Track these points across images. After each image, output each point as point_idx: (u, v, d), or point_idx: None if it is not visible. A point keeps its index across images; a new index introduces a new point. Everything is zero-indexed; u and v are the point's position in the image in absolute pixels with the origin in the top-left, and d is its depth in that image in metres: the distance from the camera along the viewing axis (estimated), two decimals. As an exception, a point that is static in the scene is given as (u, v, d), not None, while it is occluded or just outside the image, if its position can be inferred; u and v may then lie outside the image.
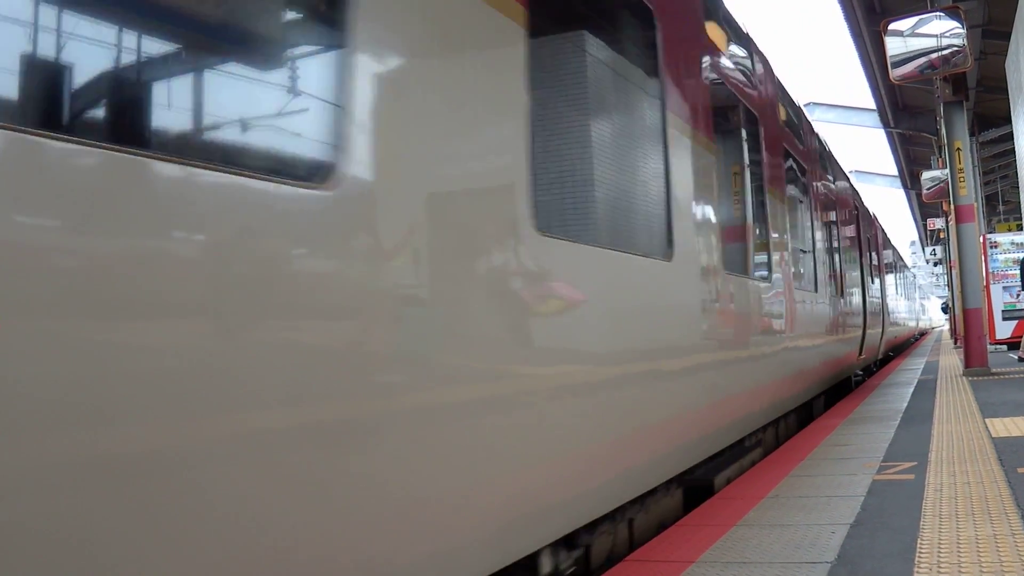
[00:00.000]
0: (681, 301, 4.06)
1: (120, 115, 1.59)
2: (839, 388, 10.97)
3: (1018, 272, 16.38)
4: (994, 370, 10.87)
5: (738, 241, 5.43)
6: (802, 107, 8.82)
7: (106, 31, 1.53)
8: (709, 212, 4.55)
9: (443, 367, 2.19)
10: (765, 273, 6.02)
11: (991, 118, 18.85)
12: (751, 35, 6.29)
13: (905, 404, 7.93)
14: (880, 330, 14.23)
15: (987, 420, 6.19)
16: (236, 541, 1.59)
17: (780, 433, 7.20)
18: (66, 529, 1.30)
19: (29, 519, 1.25)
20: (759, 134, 6.17)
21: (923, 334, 40.91)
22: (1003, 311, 17.08)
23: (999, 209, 27.26)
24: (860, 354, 11.35)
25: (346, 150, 1.90)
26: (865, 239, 13.22)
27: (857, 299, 11.16)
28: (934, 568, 2.70)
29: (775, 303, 6.17)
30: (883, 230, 18.87)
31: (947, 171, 12.45)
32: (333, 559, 1.82)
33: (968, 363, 10.91)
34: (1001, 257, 17.62)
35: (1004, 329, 16.91)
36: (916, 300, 35.08)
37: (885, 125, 22.00)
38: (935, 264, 37.23)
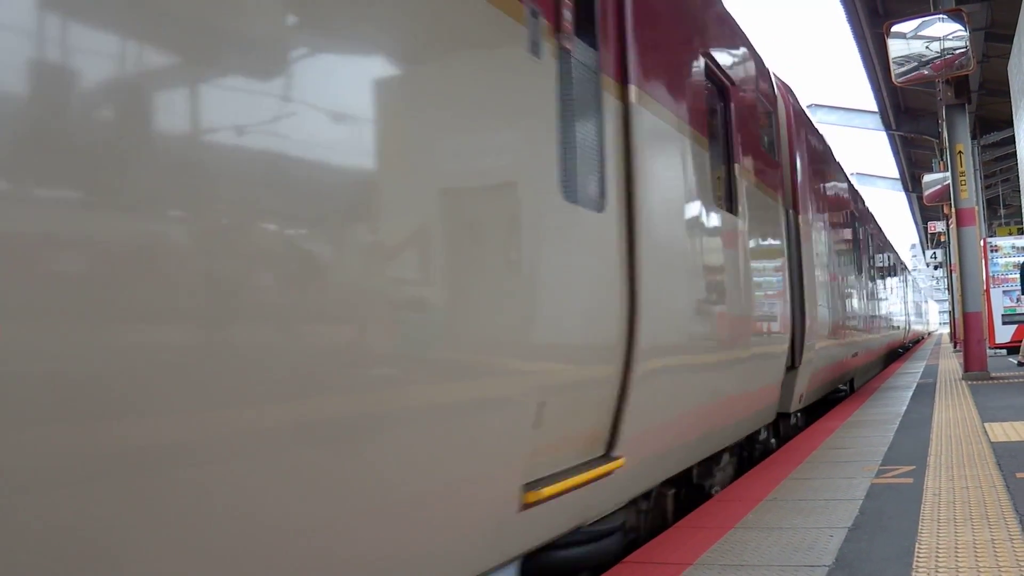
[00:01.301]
0: None
1: None
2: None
3: (1018, 276, 16.41)
4: (993, 374, 10.86)
5: None
6: None
7: None
8: None
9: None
10: None
11: (993, 121, 18.85)
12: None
13: (904, 408, 7.92)
14: (783, 358, 6.04)
15: (986, 424, 6.18)
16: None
17: None
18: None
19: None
20: None
21: (918, 341, 34.32)
22: (1003, 315, 17.10)
23: (1000, 213, 27.28)
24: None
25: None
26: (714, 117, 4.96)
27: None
28: (932, 572, 2.69)
29: None
30: (821, 143, 9.19)
31: (948, 174, 12.45)
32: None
33: (967, 367, 10.91)
34: (1001, 261, 17.63)
35: (1004, 333, 16.93)
36: (908, 299, 26.47)
37: (887, 127, 22.00)
38: (935, 267, 37.26)
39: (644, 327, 3.28)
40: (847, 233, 10.78)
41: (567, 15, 2.85)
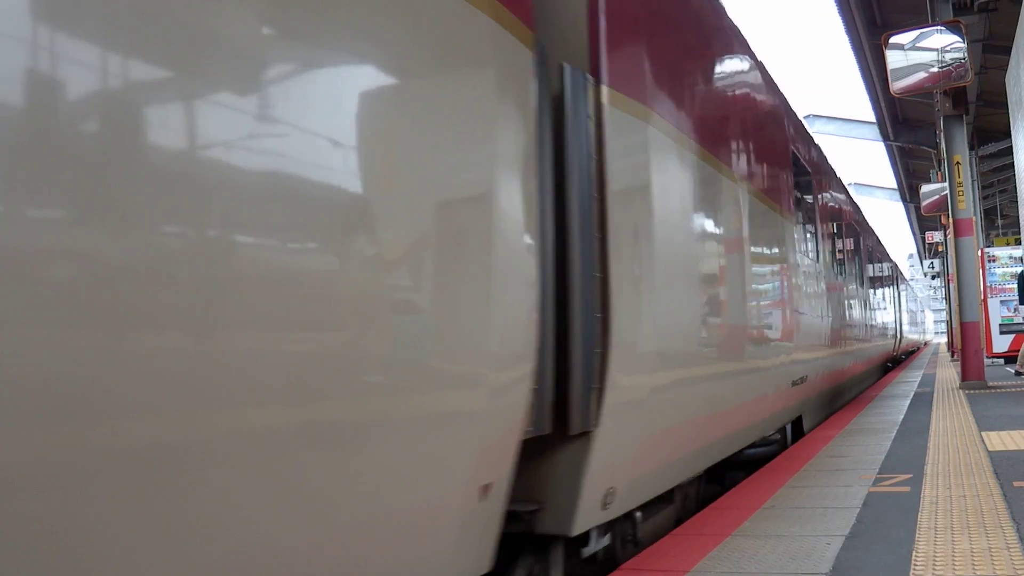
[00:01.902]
0: None
1: None
2: None
3: (1015, 286, 16.46)
4: (991, 384, 10.87)
5: None
6: None
7: None
8: None
9: None
10: None
11: (991, 132, 18.91)
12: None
13: (901, 416, 7.92)
14: (488, 421, 2.26)
15: (983, 433, 6.19)
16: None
17: None
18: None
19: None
20: None
21: (912, 352, 30.67)
22: (1000, 325, 17.14)
23: (997, 223, 27.34)
24: None
25: None
26: None
27: None
28: (929, 581, 2.69)
29: None
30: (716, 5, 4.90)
31: (946, 184, 12.48)
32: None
33: (965, 376, 10.91)
34: (999, 271, 17.67)
35: (1001, 343, 16.96)
36: (902, 305, 22.94)
37: (885, 138, 22.06)
38: (933, 277, 37.33)
39: None
40: (795, 196, 6.84)
41: None
